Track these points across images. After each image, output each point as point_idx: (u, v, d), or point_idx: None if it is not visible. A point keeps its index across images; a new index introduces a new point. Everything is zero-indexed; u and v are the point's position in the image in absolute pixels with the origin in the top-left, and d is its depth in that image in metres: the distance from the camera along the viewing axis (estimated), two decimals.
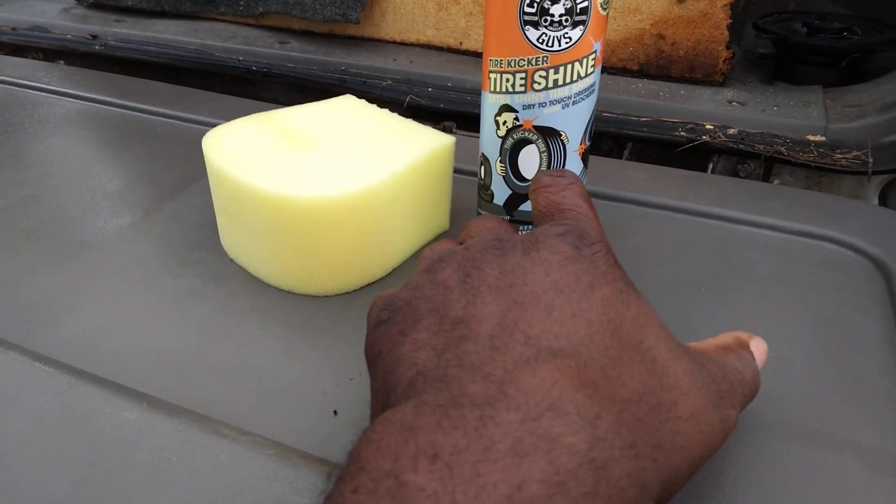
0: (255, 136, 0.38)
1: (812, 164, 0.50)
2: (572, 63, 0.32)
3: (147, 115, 0.57)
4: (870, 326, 0.33)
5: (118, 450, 0.26)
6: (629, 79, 0.61)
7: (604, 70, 0.62)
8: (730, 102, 0.57)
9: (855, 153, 0.50)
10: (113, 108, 0.59)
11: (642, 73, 0.61)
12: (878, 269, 0.37)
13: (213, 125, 0.53)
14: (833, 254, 0.39)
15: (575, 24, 0.31)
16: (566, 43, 0.31)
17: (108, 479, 0.25)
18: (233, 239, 0.37)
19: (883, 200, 0.53)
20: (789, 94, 0.58)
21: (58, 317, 0.33)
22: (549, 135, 0.34)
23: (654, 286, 0.36)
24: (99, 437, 0.26)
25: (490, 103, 0.34)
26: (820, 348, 0.32)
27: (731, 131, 0.53)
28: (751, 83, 0.61)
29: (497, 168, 0.36)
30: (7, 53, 0.81)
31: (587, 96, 0.33)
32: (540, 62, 0.32)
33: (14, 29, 0.81)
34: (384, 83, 0.63)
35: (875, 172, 0.50)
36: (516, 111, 0.34)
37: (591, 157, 0.39)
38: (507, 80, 0.33)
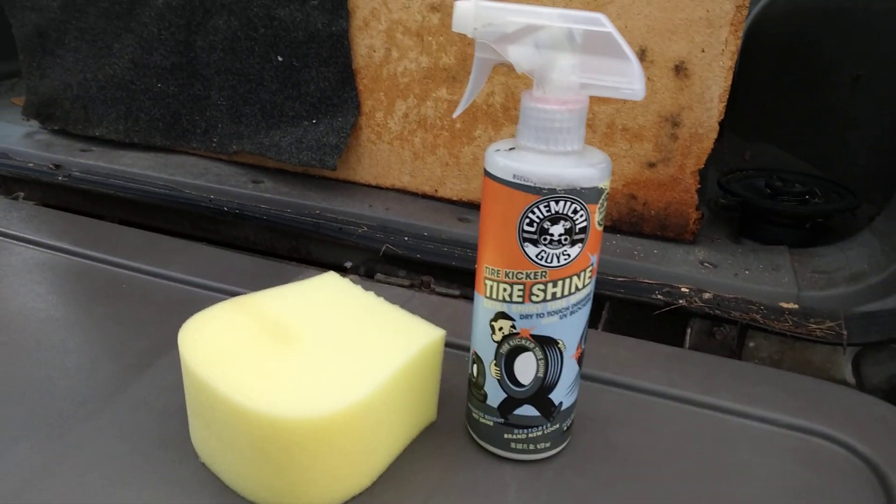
0: (234, 328, 0.36)
1: (787, 332, 0.51)
2: (570, 277, 0.32)
3: (112, 267, 0.55)
4: None
5: None
6: (604, 234, 0.62)
7: None
8: (702, 263, 0.58)
9: (829, 324, 0.51)
10: (74, 258, 0.56)
11: (615, 229, 0.62)
12: (873, 472, 0.37)
13: (183, 282, 0.51)
14: (827, 452, 0.38)
15: (574, 243, 0.31)
16: (565, 260, 0.31)
17: None
18: (206, 443, 0.34)
19: (856, 368, 0.54)
20: (758, 256, 0.59)
21: None
22: (546, 343, 0.33)
23: (656, 494, 0.34)
24: None
25: (485, 308, 0.34)
26: None
27: (707, 296, 0.54)
28: (719, 240, 0.63)
29: (492, 371, 0.34)
30: None
31: (584, 305, 0.33)
32: (538, 276, 0.31)
33: None
34: (360, 230, 0.62)
35: (850, 344, 0.50)
36: (513, 319, 0.33)
37: None
38: (504, 290, 0.32)
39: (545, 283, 0.31)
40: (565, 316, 0.32)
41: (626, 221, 0.61)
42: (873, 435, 0.39)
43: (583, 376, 0.43)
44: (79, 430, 0.37)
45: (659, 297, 0.54)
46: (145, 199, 0.69)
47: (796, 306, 0.53)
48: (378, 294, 0.40)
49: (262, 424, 0.30)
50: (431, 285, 0.58)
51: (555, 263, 0.31)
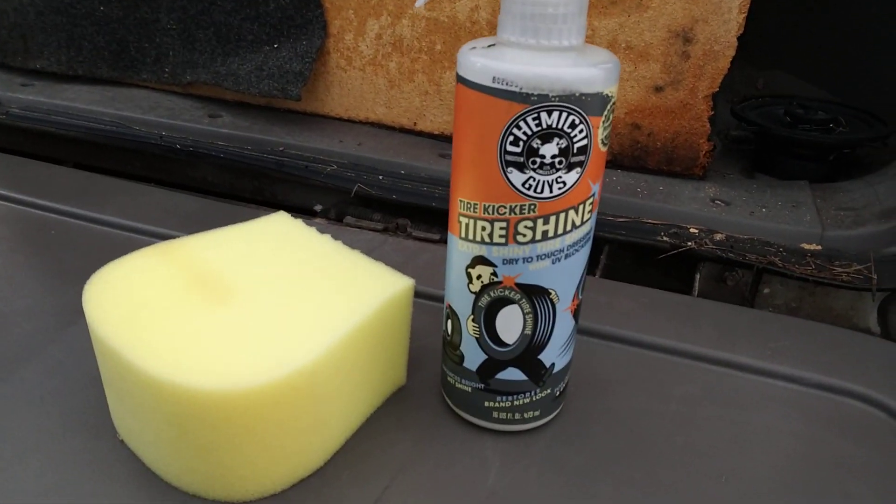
0: (154, 283, 0.29)
1: (810, 277, 0.45)
2: (566, 211, 0.25)
3: (41, 212, 0.48)
4: None
5: None
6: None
7: None
8: (713, 201, 0.51)
9: (856, 267, 0.45)
10: (2, 202, 0.49)
11: (616, 163, 0.55)
12: None
13: (120, 227, 0.44)
14: (859, 413, 0.33)
15: (571, 167, 0.24)
16: (559, 189, 0.24)
17: None
18: (123, 419, 0.28)
19: (882, 315, 0.48)
20: (776, 192, 0.53)
21: None
22: (535, 293, 0.27)
23: (666, 473, 0.29)
24: None
25: (460, 251, 0.27)
26: None
27: (719, 237, 0.47)
28: (731, 175, 0.56)
29: (469, 328, 0.28)
30: None
31: (582, 247, 0.27)
32: (525, 211, 0.25)
33: None
34: (328, 168, 0.55)
35: (880, 290, 0.44)
36: (494, 265, 0.26)
37: None
38: (483, 229, 0.26)
39: (534, 220, 0.25)
40: (559, 260, 0.26)
41: (629, 155, 0.54)
42: None
43: (580, 331, 0.37)
44: None
45: (665, 238, 0.47)
46: (90, 136, 0.62)
47: (819, 248, 0.46)
48: (345, 240, 0.34)
49: (179, 398, 0.24)
50: (408, 229, 0.52)
51: (546, 194, 0.24)
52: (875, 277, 0.44)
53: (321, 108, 0.63)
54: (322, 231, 0.34)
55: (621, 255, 0.51)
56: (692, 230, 0.48)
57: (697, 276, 0.48)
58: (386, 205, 0.54)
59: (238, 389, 0.24)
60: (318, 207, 0.58)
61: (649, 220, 0.49)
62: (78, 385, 0.32)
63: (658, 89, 0.51)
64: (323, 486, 0.28)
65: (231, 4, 0.61)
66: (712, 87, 0.50)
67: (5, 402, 0.31)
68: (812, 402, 0.33)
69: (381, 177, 0.55)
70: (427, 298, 0.40)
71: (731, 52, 0.49)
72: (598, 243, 0.50)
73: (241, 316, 0.28)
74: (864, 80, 0.65)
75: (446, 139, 0.60)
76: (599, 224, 0.49)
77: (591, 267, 0.50)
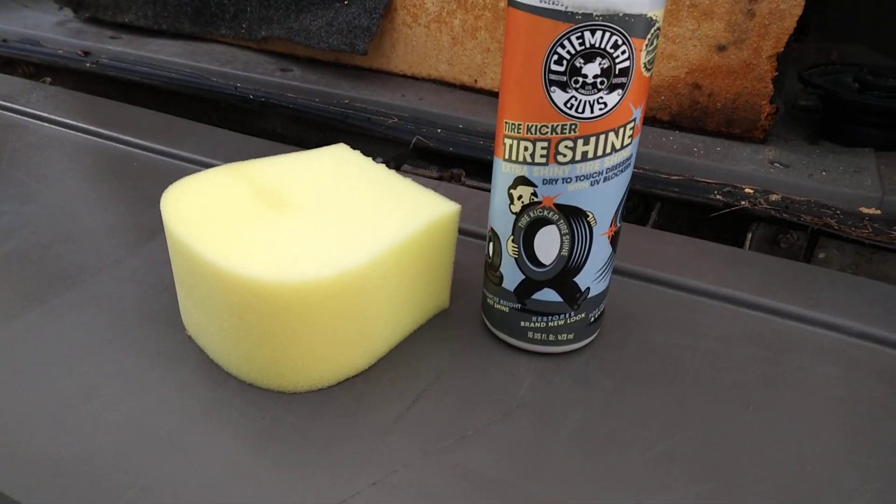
0: (224, 193, 0.32)
1: (866, 241, 0.44)
2: (606, 133, 0.26)
3: (126, 147, 0.52)
4: None
5: None
6: (659, 130, 0.55)
7: None
8: (772, 163, 0.51)
9: None
10: (90, 137, 0.53)
11: (674, 124, 0.55)
12: None
13: (195, 162, 0.48)
14: None
15: (612, 88, 0.25)
16: (600, 109, 0.26)
17: None
18: (190, 314, 0.31)
19: None
20: (838, 158, 0.52)
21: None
22: (573, 215, 0.28)
23: (693, 399, 0.30)
24: None
25: (503, 172, 0.29)
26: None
27: (774, 197, 0.47)
28: (794, 141, 0.55)
29: (508, 248, 0.30)
30: None
31: (621, 171, 0.28)
32: (567, 130, 0.26)
33: (5, 41, 0.76)
34: (390, 121, 0.58)
35: None
36: (535, 185, 0.28)
37: None
38: (526, 149, 0.27)
39: (574, 140, 0.26)
40: (597, 182, 0.27)
41: (687, 116, 0.54)
42: None
43: (621, 272, 0.38)
44: (63, 298, 0.34)
45: (718, 197, 0.47)
46: (171, 86, 0.66)
47: (879, 212, 0.45)
48: None
49: (242, 289, 0.27)
50: (462, 178, 0.53)
51: (587, 114, 0.26)
52: None
53: (386, 64, 0.65)
54: None
55: (673, 213, 0.51)
56: (747, 190, 0.48)
57: (749, 237, 0.48)
58: (443, 157, 0.56)
59: (294, 282, 0.26)
60: (378, 160, 0.60)
61: (703, 179, 0.49)
62: (152, 290, 0.35)
63: (721, 48, 0.51)
64: (366, 386, 0.30)
65: None
66: (777, 46, 0.49)
67: (88, 301, 0.34)
68: (852, 350, 0.33)
69: (439, 130, 0.56)
70: (474, 237, 0.41)
71: (798, 11, 0.48)
72: (650, 200, 0.51)
73: (300, 224, 0.30)
74: None
75: None
76: (651, 181, 0.49)
77: (640, 222, 0.51)
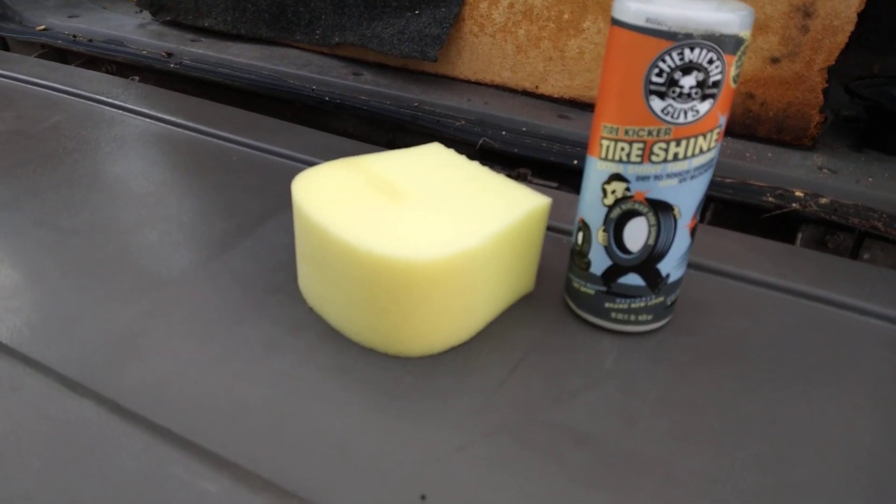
0: (346, 182, 0.36)
1: None
2: (696, 137, 0.30)
3: (222, 142, 0.57)
4: None
5: None
6: None
7: None
8: (820, 169, 0.54)
9: None
10: (188, 132, 0.58)
11: (728, 131, 0.59)
12: None
13: (288, 157, 0.52)
14: None
15: (704, 98, 0.29)
16: (693, 116, 0.30)
17: None
18: (314, 287, 0.36)
19: None
20: (883, 165, 0.55)
21: (129, 359, 0.32)
22: (661, 208, 0.32)
23: (759, 376, 0.33)
24: None
25: (598, 170, 0.33)
26: None
27: (823, 200, 0.51)
28: (840, 149, 0.59)
29: (598, 237, 0.34)
30: (81, 64, 0.82)
31: (706, 171, 0.32)
32: (661, 134, 0.30)
33: (90, 40, 0.82)
34: (457, 123, 0.62)
35: None
36: (628, 181, 0.32)
37: None
38: (623, 149, 0.31)
39: (668, 142, 0.30)
40: (685, 180, 0.31)
41: (740, 123, 0.58)
42: None
43: (687, 265, 0.42)
44: (194, 276, 0.39)
45: (770, 199, 0.51)
46: (251, 87, 0.71)
47: None
48: None
49: (373, 265, 0.31)
50: (528, 177, 0.57)
51: (681, 120, 0.30)
52: None
53: (452, 70, 0.69)
54: None
55: (726, 214, 0.55)
56: (797, 193, 0.51)
57: (799, 237, 0.52)
58: (507, 157, 0.60)
59: (418, 260, 0.31)
60: None
61: (756, 183, 0.53)
62: (271, 268, 0.40)
63: (775, 60, 0.55)
64: (469, 355, 0.34)
65: None
66: (829, 60, 0.53)
67: (219, 275, 0.39)
68: None
69: (504, 132, 0.61)
70: (550, 230, 0.45)
71: (850, 27, 0.51)
72: (705, 202, 0.55)
73: (413, 211, 0.34)
74: None
75: (565, 102, 0.65)
76: None
77: None
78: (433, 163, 0.40)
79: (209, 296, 0.37)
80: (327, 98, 0.67)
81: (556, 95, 0.65)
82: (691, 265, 0.42)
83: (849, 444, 0.30)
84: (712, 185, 0.53)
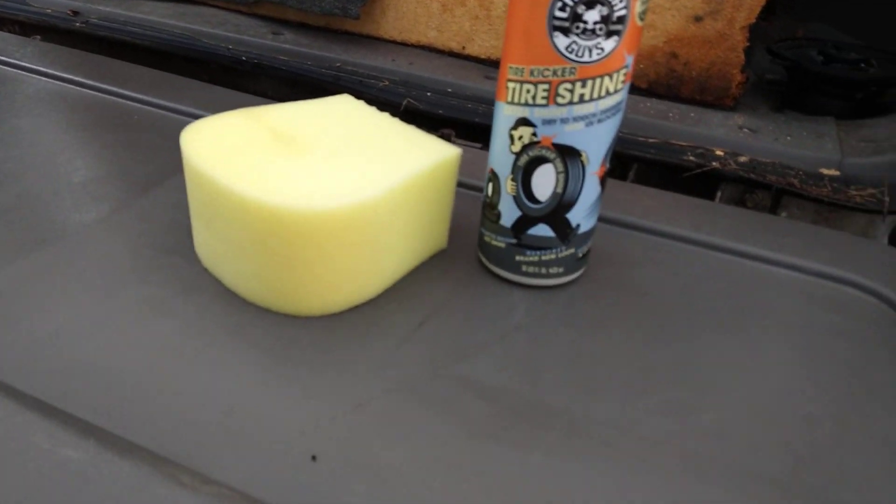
0: (241, 133, 0.34)
1: (825, 199, 0.48)
2: (602, 77, 0.29)
3: (124, 101, 0.53)
4: (892, 377, 0.30)
5: (57, 497, 0.22)
6: (637, 97, 0.59)
7: None
8: (741, 129, 0.54)
9: (871, 191, 0.48)
10: (88, 91, 0.54)
11: (651, 91, 0.58)
12: None
13: (196, 117, 0.49)
14: (855, 300, 0.36)
15: (609, 34, 0.28)
16: (598, 54, 0.28)
17: None
18: (208, 246, 0.33)
19: (893, 240, 0.51)
20: (802, 124, 0.56)
21: (2, 322, 0.29)
22: (568, 154, 0.31)
23: (670, 325, 0.33)
24: (36, 479, 0.22)
25: (505, 115, 0.31)
26: (849, 406, 0.29)
27: (742, 159, 0.51)
28: (761, 110, 0.59)
29: (507, 187, 0.33)
30: None
31: (613, 115, 0.30)
32: (566, 74, 0.29)
33: None
34: (381, 84, 0.60)
35: (891, 212, 0.47)
36: (535, 126, 0.30)
37: None
38: (528, 91, 0.30)
39: (573, 82, 0.29)
40: (592, 123, 0.30)
41: (664, 83, 0.58)
42: None
43: (605, 220, 0.42)
44: (81, 235, 0.36)
45: (691, 158, 0.51)
46: (162, 46, 0.67)
47: (837, 173, 0.49)
48: None
49: (266, 217, 0.29)
50: (452, 138, 0.56)
51: (586, 58, 0.28)
52: (887, 200, 0.47)
53: (376, 30, 0.67)
54: None
55: (648, 174, 0.54)
56: (717, 152, 0.51)
57: (718, 196, 0.52)
58: (432, 119, 0.58)
59: (314, 210, 0.29)
60: None
61: (678, 142, 0.52)
62: (165, 229, 0.37)
63: (697, 19, 0.54)
64: (374, 312, 0.32)
65: None
66: (749, 18, 0.53)
67: (108, 235, 0.36)
68: (810, 286, 0.37)
69: (429, 93, 0.59)
70: (466, 188, 0.44)
71: None
72: (627, 161, 0.54)
73: (315, 161, 0.32)
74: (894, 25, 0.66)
75: (493, 63, 0.63)
76: (629, 143, 0.52)
77: (619, 179, 0.54)
78: (339, 114, 0.38)
79: (95, 257, 0.34)
80: (244, 58, 0.64)
81: (482, 56, 0.63)
82: (608, 221, 0.41)
83: (755, 390, 0.29)
84: (636, 145, 0.52)
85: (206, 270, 0.34)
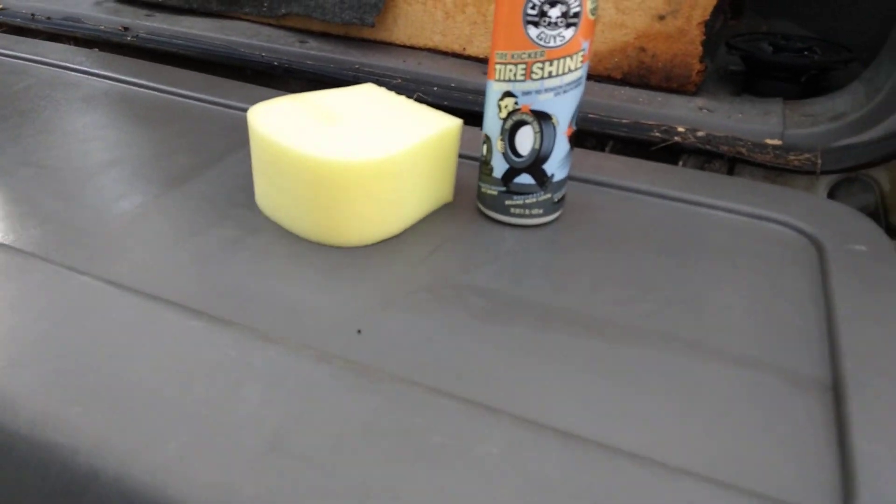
0: (292, 110, 0.44)
1: (768, 164, 0.58)
2: (564, 58, 0.39)
3: (182, 99, 0.63)
4: (800, 285, 0.40)
5: (189, 352, 0.32)
6: (613, 86, 0.68)
7: (591, 78, 0.69)
8: (700, 109, 0.64)
9: (806, 155, 0.58)
10: (150, 91, 0.65)
11: (625, 81, 0.68)
12: (812, 244, 0.44)
13: (241, 110, 0.59)
14: (778, 233, 0.46)
15: (568, 25, 0.38)
16: (560, 41, 0.38)
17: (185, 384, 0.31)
18: (269, 197, 0.43)
19: (831, 198, 0.60)
20: (753, 105, 0.65)
21: (130, 248, 0.40)
22: (542, 118, 0.41)
23: (627, 254, 0.42)
24: (171, 343, 0.32)
25: (494, 90, 0.41)
26: (759, 299, 0.38)
27: (700, 133, 0.60)
28: (720, 95, 0.69)
29: (497, 146, 0.42)
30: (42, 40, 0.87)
31: (575, 87, 0.40)
32: (538, 56, 0.39)
33: (49, 18, 0.87)
34: (394, 81, 0.70)
35: (823, 172, 0.57)
36: (516, 97, 0.40)
37: (577, 151, 0.46)
38: (510, 71, 0.40)
39: (543, 63, 0.39)
40: (559, 94, 0.40)
41: (635, 74, 0.67)
42: (821, 220, 0.46)
43: (579, 179, 0.51)
44: (165, 197, 0.46)
45: (657, 135, 0.61)
46: (204, 56, 0.78)
47: (780, 143, 0.59)
48: None
49: (314, 167, 0.39)
50: None
51: (552, 44, 0.38)
52: (820, 162, 0.57)
53: (389, 36, 0.77)
54: None
55: (622, 149, 0.64)
56: (679, 129, 0.61)
57: (680, 164, 0.61)
58: (439, 110, 0.68)
59: (351, 161, 0.39)
60: None
61: (646, 122, 0.62)
62: (232, 190, 0.47)
63: (661, 18, 0.64)
64: (398, 244, 0.42)
65: None
66: (704, 15, 0.63)
67: (185, 197, 0.46)
68: (743, 224, 0.46)
69: (435, 88, 0.69)
70: (469, 158, 0.54)
71: None
72: (603, 139, 0.64)
73: (350, 129, 0.42)
74: (846, 21, 0.76)
75: None
76: (605, 124, 0.62)
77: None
78: (367, 96, 0.48)
79: (181, 209, 0.45)
80: (276, 63, 0.74)
81: (481, 56, 0.73)
82: (581, 180, 0.51)
83: (692, 293, 0.39)
84: (612, 125, 0.62)
85: (267, 218, 0.44)
